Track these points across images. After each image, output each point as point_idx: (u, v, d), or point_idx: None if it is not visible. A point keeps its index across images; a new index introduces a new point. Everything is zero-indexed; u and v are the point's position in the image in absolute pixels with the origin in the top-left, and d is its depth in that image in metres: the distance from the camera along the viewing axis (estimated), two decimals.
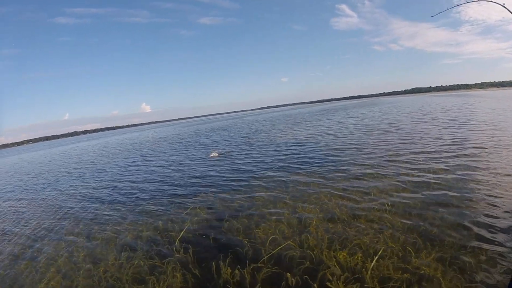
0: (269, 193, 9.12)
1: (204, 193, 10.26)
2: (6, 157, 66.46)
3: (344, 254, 5.23)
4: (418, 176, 9.11)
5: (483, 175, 8.62)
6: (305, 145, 17.93)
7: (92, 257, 6.85)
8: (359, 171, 10.30)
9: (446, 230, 5.70)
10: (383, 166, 10.62)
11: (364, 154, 13.28)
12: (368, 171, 10.22)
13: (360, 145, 15.87)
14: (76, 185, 15.31)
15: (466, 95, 78.64)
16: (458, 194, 7.31)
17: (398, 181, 8.76)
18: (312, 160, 13.18)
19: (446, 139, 14.72)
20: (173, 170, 15.29)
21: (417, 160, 10.96)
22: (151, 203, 10.02)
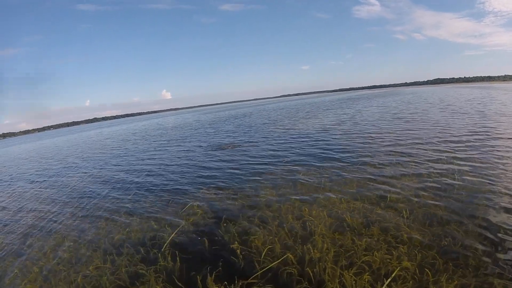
0: (274, 192, 8.34)
1: (207, 188, 9.58)
2: (26, 143, 67.45)
3: (351, 274, 4.44)
4: (441, 177, 8.12)
5: None
6: (321, 136, 17.01)
7: (76, 258, 6.29)
8: (376, 170, 9.35)
9: (471, 248, 4.83)
10: (402, 165, 9.59)
11: (383, 148, 12.24)
12: (386, 169, 9.27)
13: (380, 138, 14.78)
14: (73, 177, 14.87)
15: (490, 87, 75.52)
16: (486, 202, 6.38)
17: (418, 182, 7.83)
18: (326, 153, 12.32)
19: (473, 135, 13.47)
20: (180, 161, 14.64)
21: (441, 159, 9.90)
22: (149, 199, 9.43)
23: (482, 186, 7.22)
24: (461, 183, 7.53)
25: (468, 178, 7.87)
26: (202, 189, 9.56)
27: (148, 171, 13.39)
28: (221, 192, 9.01)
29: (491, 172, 8.22)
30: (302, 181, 8.97)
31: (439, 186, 7.43)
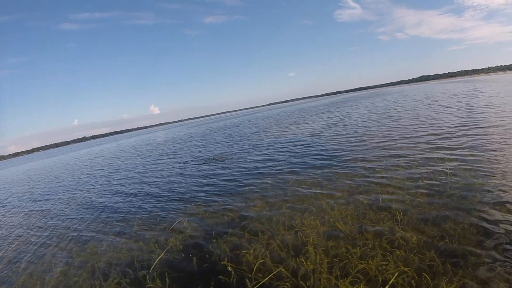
0: (265, 203, 8.08)
1: (195, 203, 9.31)
2: (16, 166, 66.45)
3: (347, 283, 4.24)
4: (434, 174, 8.00)
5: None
6: (310, 141, 16.80)
7: (64, 284, 6.03)
8: (367, 172, 9.16)
9: (470, 246, 4.67)
10: (393, 165, 9.45)
11: (373, 150, 12.09)
12: (377, 171, 9.10)
13: (369, 139, 14.64)
14: (61, 199, 14.46)
15: (474, 80, 76.54)
16: (480, 197, 6.23)
17: (411, 182, 7.69)
18: (316, 159, 12.12)
19: (461, 129, 13.48)
20: (169, 177, 14.27)
21: (432, 156, 9.84)
22: (138, 217, 9.12)
23: (476, 181, 7.11)
24: (454, 179, 7.42)
25: (460, 173, 7.77)
26: (191, 204, 9.28)
27: (137, 188, 13.04)
28: (210, 206, 8.74)
29: (483, 165, 8.15)
30: (292, 189, 8.74)
31: (432, 184, 7.29)
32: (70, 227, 9.66)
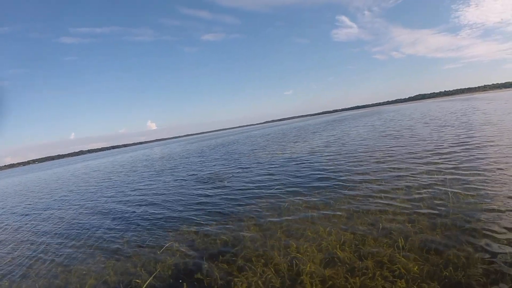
0: (259, 226, 7.74)
1: (188, 223, 8.96)
2: (12, 177, 65.61)
3: None
4: (435, 198, 7.68)
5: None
6: (308, 161, 16.50)
7: None
8: (365, 194, 8.83)
9: (475, 276, 4.36)
10: (392, 187, 9.14)
11: (371, 170, 11.74)
12: (375, 193, 8.77)
13: (368, 159, 14.36)
14: (47, 217, 14.03)
15: (471, 98, 76.82)
16: (484, 222, 5.93)
17: (411, 205, 7.36)
18: (313, 179, 11.82)
19: (462, 148, 13.22)
20: (162, 196, 13.86)
21: (432, 177, 9.54)
22: (126, 238, 8.74)
23: (478, 203, 6.84)
24: (456, 201, 7.15)
25: (462, 195, 7.49)
26: (183, 224, 8.93)
27: (129, 206, 12.68)
28: (203, 227, 8.38)
29: (486, 186, 7.90)
30: (288, 212, 8.40)
31: (434, 207, 7.00)
32: (56, 244, 9.31)
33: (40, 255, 8.79)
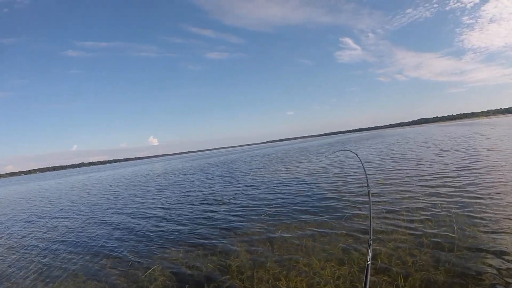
0: (249, 253, 7.20)
1: (176, 246, 8.48)
2: (12, 186, 65.24)
3: None
4: (439, 229, 7.15)
5: None
6: (308, 183, 16.01)
7: None
8: (365, 224, 8.30)
9: None
10: (393, 216, 8.60)
11: (372, 194, 11.14)
12: (375, 222, 8.18)
13: (369, 183, 13.70)
14: (36, 229, 13.56)
15: (474, 123, 76.37)
16: (492, 259, 5.39)
17: (413, 238, 6.82)
18: (311, 203, 11.32)
19: (466, 175, 12.53)
20: (154, 214, 13.36)
21: (436, 206, 8.96)
22: (111, 259, 8.26)
23: (486, 238, 6.30)
24: (462, 235, 6.61)
25: (469, 228, 6.95)
26: (170, 248, 8.41)
27: (120, 221, 12.26)
28: (190, 252, 7.86)
29: (494, 218, 7.35)
30: (281, 239, 7.86)
31: (437, 242, 6.43)
32: (35, 261, 8.82)
33: (17, 269, 8.32)
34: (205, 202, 14.49)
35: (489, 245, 6.00)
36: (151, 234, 10.10)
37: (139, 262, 7.72)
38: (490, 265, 5.20)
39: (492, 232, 6.62)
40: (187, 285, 6.02)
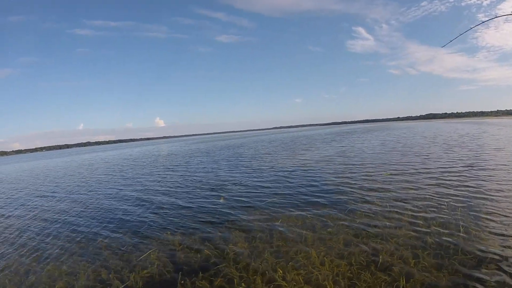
0: (247, 242, 7.04)
1: (173, 231, 8.36)
2: (19, 163, 65.92)
3: None
4: (443, 228, 6.90)
5: None
6: (310, 173, 15.79)
7: None
8: (368, 219, 8.02)
9: None
10: (397, 212, 8.34)
11: (376, 191, 10.91)
12: (379, 218, 7.96)
13: (374, 177, 13.44)
14: (38, 207, 13.56)
15: (483, 122, 75.18)
16: (497, 263, 5.18)
17: (416, 236, 6.59)
18: (314, 194, 11.09)
19: (475, 175, 12.03)
20: (154, 196, 13.31)
21: (442, 205, 8.67)
22: (108, 240, 8.26)
23: (492, 242, 6.05)
24: (467, 237, 6.36)
25: (475, 230, 6.69)
26: (168, 232, 8.31)
27: (121, 205, 12.14)
28: (188, 237, 7.75)
29: (500, 221, 7.10)
30: (280, 229, 7.68)
31: (442, 242, 6.20)
32: (33, 239, 8.87)
33: (14, 248, 8.32)
34: (208, 186, 14.39)
35: (495, 250, 5.76)
36: (151, 216, 10.05)
37: (136, 245, 7.64)
38: (495, 273, 4.98)
39: (498, 235, 6.39)
40: (183, 271, 5.88)
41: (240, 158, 26.72)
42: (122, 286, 5.56)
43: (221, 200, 10.02)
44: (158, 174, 20.57)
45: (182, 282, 5.50)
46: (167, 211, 10.47)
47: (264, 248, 6.59)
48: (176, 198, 12.38)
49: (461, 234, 6.55)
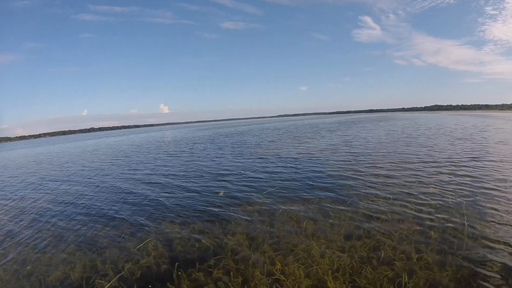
0: (246, 234, 6.87)
1: (172, 220, 8.22)
2: (23, 149, 66.13)
3: None
4: (447, 222, 6.73)
5: None
6: (312, 162, 15.50)
7: None
8: (371, 210, 7.83)
9: None
10: (401, 204, 8.14)
11: (380, 180, 10.73)
12: (382, 210, 7.76)
13: (379, 166, 13.23)
14: (38, 194, 13.48)
15: (488, 116, 74.33)
16: (503, 261, 5.01)
17: (419, 231, 6.42)
18: (316, 183, 10.94)
19: (480, 167, 11.77)
20: (157, 184, 13.15)
21: (446, 198, 8.46)
22: (106, 228, 8.13)
23: (498, 239, 5.84)
24: (471, 233, 6.16)
25: (479, 226, 6.48)
26: (167, 220, 8.19)
27: (121, 192, 12.04)
28: (187, 226, 7.61)
29: (505, 214, 6.93)
30: (281, 221, 7.52)
31: (445, 239, 6.01)
32: (30, 227, 8.77)
33: (9, 235, 8.23)
34: (210, 174, 14.22)
35: (499, 246, 5.58)
36: (152, 204, 9.97)
37: (134, 233, 7.54)
38: (498, 271, 4.81)
39: (504, 229, 6.21)
40: (180, 261, 5.76)
41: (243, 146, 26.55)
42: (117, 277, 5.44)
43: (221, 194, 9.82)
44: (163, 160, 20.56)
45: (179, 273, 5.37)
46: (168, 198, 10.37)
47: (264, 240, 6.45)
48: (178, 186, 12.27)
49: (466, 228, 6.39)
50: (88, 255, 6.57)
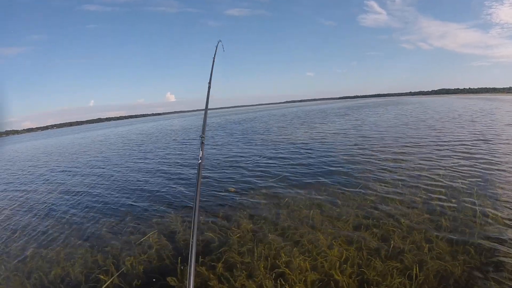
0: (251, 224, 6.71)
1: (176, 210, 8.14)
2: (31, 141, 66.61)
3: None
4: (459, 210, 6.51)
5: None
6: (319, 148, 15.06)
7: None
8: (380, 199, 7.54)
9: None
10: (410, 193, 7.82)
11: (390, 167, 10.33)
12: (391, 199, 7.46)
13: (389, 153, 12.73)
14: (31, 189, 13.46)
15: (496, 99, 73.07)
16: None
17: (430, 220, 6.18)
18: (323, 170, 10.68)
19: (494, 154, 11.28)
20: (162, 174, 12.95)
21: (458, 186, 8.11)
22: (110, 220, 8.01)
23: (510, 228, 5.62)
24: (484, 222, 5.93)
25: (492, 214, 6.21)
26: (170, 212, 8.06)
27: (125, 181, 11.97)
28: (189, 218, 7.46)
29: None
30: (287, 210, 7.33)
31: (457, 227, 5.77)
32: (27, 220, 8.73)
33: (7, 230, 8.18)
34: (217, 162, 14.01)
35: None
36: (156, 194, 9.86)
37: (136, 226, 7.43)
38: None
39: None
40: (180, 258, 5.59)
41: (253, 133, 26.56)
42: (118, 273, 5.32)
43: (232, 191, 9.61)
44: (173, 149, 20.51)
45: (182, 268, 5.23)
46: (173, 187, 10.32)
47: (269, 231, 6.27)
48: (185, 174, 12.19)
49: (477, 217, 6.15)
50: (89, 250, 6.45)
